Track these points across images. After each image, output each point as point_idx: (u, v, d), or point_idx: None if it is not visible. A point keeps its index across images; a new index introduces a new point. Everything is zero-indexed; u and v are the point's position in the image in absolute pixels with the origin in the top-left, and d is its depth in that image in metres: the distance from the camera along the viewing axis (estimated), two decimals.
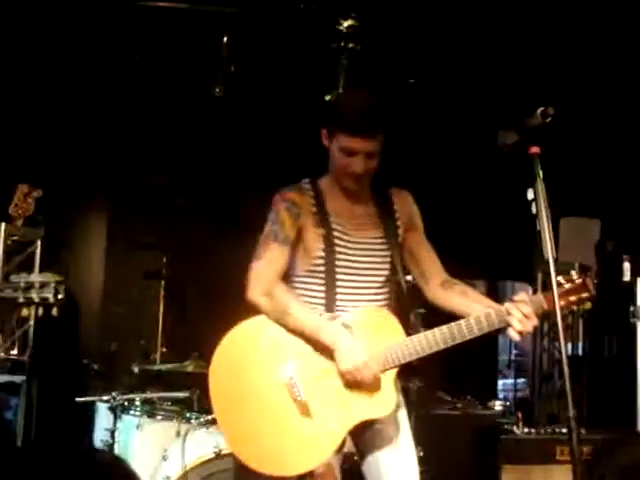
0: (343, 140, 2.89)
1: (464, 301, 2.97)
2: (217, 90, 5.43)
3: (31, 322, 5.30)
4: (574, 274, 2.75)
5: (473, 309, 2.88)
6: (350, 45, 5.45)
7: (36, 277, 2.94)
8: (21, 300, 2.97)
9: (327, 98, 5.56)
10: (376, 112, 2.89)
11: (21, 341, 5.52)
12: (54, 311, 2.91)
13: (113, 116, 6.42)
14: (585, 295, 2.76)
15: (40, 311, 2.92)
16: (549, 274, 2.53)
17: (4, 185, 5.22)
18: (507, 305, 2.78)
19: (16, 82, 5.70)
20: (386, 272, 3.05)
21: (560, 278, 2.66)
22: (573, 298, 2.73)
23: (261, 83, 5.94)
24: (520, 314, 2.73)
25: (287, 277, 3.03)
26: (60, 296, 2.89)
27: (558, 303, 2.51)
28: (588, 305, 2.82)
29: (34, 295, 2.90)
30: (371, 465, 2.99)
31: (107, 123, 6.48)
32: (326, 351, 2.84)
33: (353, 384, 2.82)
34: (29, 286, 2.90)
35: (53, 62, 5.71)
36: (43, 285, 2.90)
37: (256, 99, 6.15)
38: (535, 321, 2.76)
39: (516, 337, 2.77)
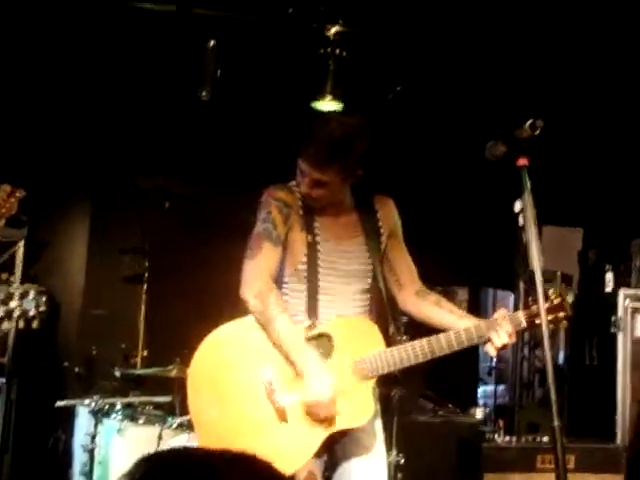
0: (299, 159, 2.95)
1: (438, 311, 3.02)
2: (204, 93, 5.40)
3: (11, 333, 5.24)
4: (552, 293, 2.79)
5: (447, 320, 2.95)
6: (337, 51, 5.44)
7: (16, 288, 2.84)
8: (1, 314, 2.84)
9: (313, 105, 5.55)
10: (332, 147, 2.88)
11: (1, 343, 5.46)
12: (35, 324, 2.83)
13: (99, 117, 6.37)
14: (562, 315, 2.84)
15: (21, 324, 2.84)
16: (532, 284, 2.55)
17: None
18: (489, 322, 2.83)
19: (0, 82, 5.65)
20: (368, 279, 3.06)
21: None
22: (550, 317, 2.76)
23: (248, 87, 5.92)
24: (502, 333, 2.80)
25: (275, 279, 3.02)
26: (42, 308, 2.82)
27: (545, 317, 2.52)
28: (564, 324, 2.87)
29: (14, 307, 2.80)
30: (344, 471, 3.00)
31: (92, 124, 6.43)
32: None
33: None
34: (9, 298, 2.80)
35: (40, 62, 5.66)
36: (23, 296, 2.81)
37: (242, 103, 6.13)
38: (514, 338, 2.83)
39: (493, 352, 2.84)
